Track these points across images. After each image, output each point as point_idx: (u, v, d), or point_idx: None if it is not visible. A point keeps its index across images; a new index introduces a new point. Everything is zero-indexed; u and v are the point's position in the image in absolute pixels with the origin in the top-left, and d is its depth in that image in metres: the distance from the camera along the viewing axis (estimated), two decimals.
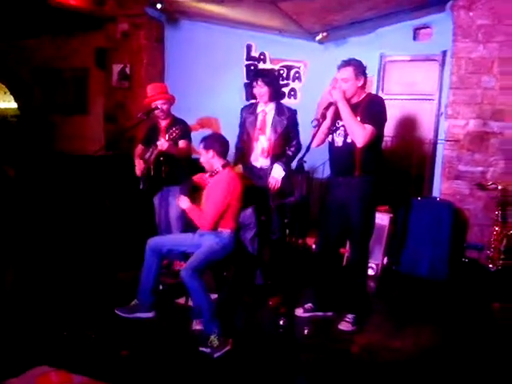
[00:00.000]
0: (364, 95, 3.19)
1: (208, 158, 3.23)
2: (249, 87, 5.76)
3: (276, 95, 3.83)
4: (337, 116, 3.17)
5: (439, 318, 3.58)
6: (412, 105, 5.21)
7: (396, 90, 5.25)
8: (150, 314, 3.34)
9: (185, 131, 3.81)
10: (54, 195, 5.30)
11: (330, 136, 3.26)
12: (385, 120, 3.16)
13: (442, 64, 4.98)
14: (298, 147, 3.75)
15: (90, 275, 3.96)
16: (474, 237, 4.67)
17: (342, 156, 3.20)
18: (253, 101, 3.93)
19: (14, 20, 6.07)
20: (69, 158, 5.77)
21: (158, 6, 5.38)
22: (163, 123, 3.95)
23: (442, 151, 4.90)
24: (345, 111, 3.02)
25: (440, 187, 4.86)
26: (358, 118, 3.05)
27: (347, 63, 3.14)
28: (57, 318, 3.15)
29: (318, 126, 2.97)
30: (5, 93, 8.08)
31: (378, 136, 3.11)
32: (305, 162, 2.77)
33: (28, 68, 7.05)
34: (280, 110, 3.76)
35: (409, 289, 4.17)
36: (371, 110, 3.08)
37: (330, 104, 3.06)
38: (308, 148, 2.85)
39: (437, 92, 5.05)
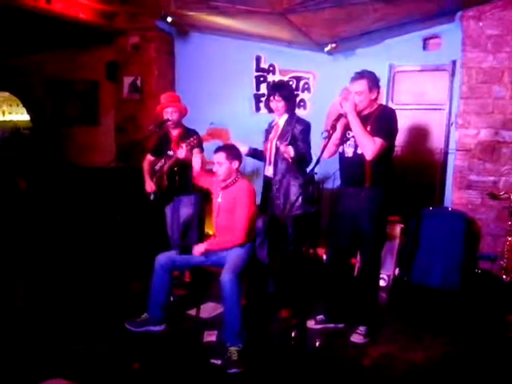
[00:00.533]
0: (376, 106, 3.19)
1: (231, 169, 3.28)
2: (257, 99, 5.83)
3: (292, 108, 3.86)
4: (347, 127, 3.17)
5: (452, 330, 3.54)
6: (422, 115, 5.20)
7: (406, 100, 5.24)
8: (160, 328, 3.33)
9: (199, 141, 3.82)
10: (66, 207, 5.34)
11: (341, 147, 3.26)
12: (396, 132, 3.16)
13: (452, 74, 4.97)
14: (308, 159, 3.67)
15: (102, 287, 3.97)
16: (487, 247, 4.63)
17: (352, 167, 3.20)
18: (271, 115, 3.97)
19: (26, 34, 6.17)
20: (80, 170, 5.83)
21: (169, 19, 5.43)
22: (174, 133, 3.96)
23: (453, 161, 4.88)
24: (355, 124, 3.03)
25: (451, 197, 4.83)
26: (369, 128, 3.05)
27: (361, 76, 3.14)
28: (70, 331, 3.16)
29: (328, 137, 2.98)
30: (17, 105, 8.19)
31: (388, 148, 3.11)
32: (316, 173, 2.78)
33: (40, 81, 7.14)
34: (290, 120, 3.77)
35: (421, 300, 4.13)
36: (382, 122, 3.08)
37: (340, 115, 3.07)
38: (318, 160, 2.85)
39: (447, 102, 5.04)
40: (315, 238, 5.05)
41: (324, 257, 4.97)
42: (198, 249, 3.20)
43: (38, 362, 2.72)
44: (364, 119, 3.09)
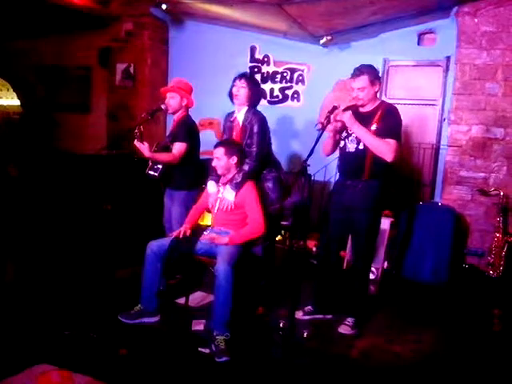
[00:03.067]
0: (378, 103, 3.20)
1: (230, 164, 3.31)
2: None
3: (252, 102, 3.62)
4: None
5: (439, 323, 3.58)
6: (415, 110, 5.21)
7: (399, 95, 5.25)
8: (155, 319, 3.29)
9: (180, 133, 3.73)
10: (56, 194, 5.29)
11: (342, 142, 3.27)
12: (401, 129, 3.18)
13: (446, 69, 4.98)
14: (256, 157, 3.48)
15: (91, 274, 3.95)
16: (475, 243, 4.68)
17: (353, 161, 3.22)
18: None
19: (18, 19, 6.08)
20: (71, 157, 5.78)
21: (164, 6, 5.38)
22: (175, 117, 3.90)
23: (444, 157, 4.91)
24: (363, 134, 3.05)
25: (441, 192, 4.87)
26: (375, 126, 3.06)
27: (361, 72, 3.12)
28: (58, 317, 3.15)
29: (322, 129, 2.97)
30: (8, 90, 8.08)
31: None
32: (308, 165, 2.77)
33: (32, 66, 7.05)
34: (247, 116, 3.60)
35: (409, 293, 4.17)
36: (389, 122, 3.10)
37: (335, 108, 3.06)
38: (312, 151, 2.83)
39: (440, 97, 5.05)
40: (305, 230, 5.06)
41: (314, 249, 5.01)
42: (218, 240, 3.15)
43: (24, 346, 2.71)
44: (368, 116, 3.10)
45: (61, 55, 6.82)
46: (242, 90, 3.56)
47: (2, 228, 4.76)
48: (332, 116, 3.06)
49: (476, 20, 4.59)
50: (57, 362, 2.11)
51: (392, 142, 3.05)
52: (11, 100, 8.15)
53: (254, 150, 3.49)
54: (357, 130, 3.05)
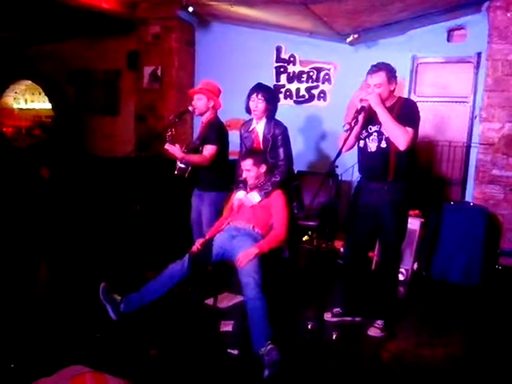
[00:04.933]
0: (395, 99, 3.14)
1: (260, 173, 3.36)
2: (277, 90, 5.77)
3: (271, 114, 3.60)
4: (368, 121, 3.14)
5: (471, 326, 3.49)
6: (445, 107, 5.12)
7: (429, 93, 5.17)
8: (114, 317, 3.10)
9: (211, 135, 3.73)
10: (88, 196, 5.41)
11: (362, 142, 3.22)
12: (419, 122, 3.12)
13: (477, 66, 4.87)
14: (285, 169, 3.50)
15: (121, 274, 4.01)
16: (508, 243, 4.56)
17: (375, 161, 3.16)
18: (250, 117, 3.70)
19: (49, 23, 6.23)
20: (102, 160, 5.89)
21: (190, 9, 5.44)
22: (203, 120, 3.91)
23: (475, 155, 4.81)
24: (384, 116, 2.98)
25: (473, 192, 4.77)
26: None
27: (379, 68, 3.09)
28: (89, 317, 3.21)
29: (350, 129, 2.94)
30: (39, 93, 8.29)
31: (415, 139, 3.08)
32: (337, 166, 2.75)
33: (62, 69, 7.22)
34: (268, 127, 3.56)
35: (440, 295, 4.08)
36: (408, 113, 3.04)
37: (363, 108, 3.02)
38: (339, 152, 2.81)
39: (471, 94, 4.95)
40: (332, 231, 5.03)
41: (341, 250, 4.96)
42: (249, 255, 3.01)
43: (57, 347, 2.77)
44: None
45: (90, 59, 6.98)
46: (260, 104, 3.54)
47: (36, 229, 4.88)
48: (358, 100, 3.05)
49: (509, 15, 4.48)
50: (89, 364, 2.15)
51: (410, 130, 3.00)
52: (43, 103, 8.35)
53: (283, 163, 3.52)
54: (380, 110, 3.00)
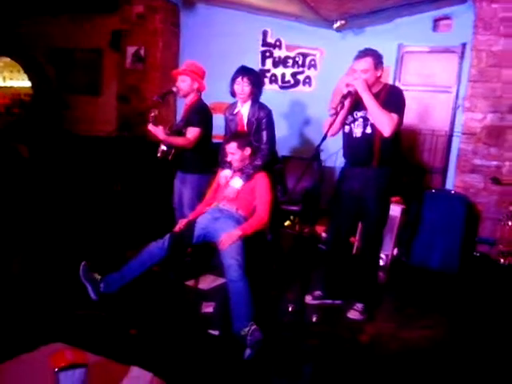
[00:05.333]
0: (382, 85, 3.15)
1: (245, 156, 3.33)
2: (262, 75, 5.73)
3: (256, 97, 3.59)
4: (354, 107, 3.14)
5: (449, 310, 3.56)
6: (429, 96, 5.15)
7: (413, 81, 5.19)
8: (94, 297, 3.06)
9: (195, 118, 3.69)
10: (67, 175, 5.32)
11: (348, 127, 3.22)
12: (404, 109, 3.13)
13: (462, 56, 4.91)
14: (268, 152, 3.50)
15: (100, 255, 3.96)
16: (486, 231, 4.65)
17: (359, 147, 3.17)
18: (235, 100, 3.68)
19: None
20: (81, 139, 5.79)
21: None
22: (186, 102, 3.85)
23: (457, 144, 4.87)
24: (370, 101, 2.98)
25: (454, 180, 4.84)
26: None
27: (365, 53, 3.09)
28: (69, 297, 3.17)
29: (335, 114, 2.94)
30: (18, 71, 8.08)
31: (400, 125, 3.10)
32: (321, 150, 2.75)
33: (43, 47, 7.04)
34: (253, 110, 3.56)
35: (418, 280, 4.15)
36: (393, 99, 3.05)
37: (349, 93, 3.02)
38: (324, 137, 2.81)
39: (455, 84, 4.99)
40: (314, 215, 5.06)
41: (323, 234, 5.00)
42: (231, 237, 2.99)
43: (37, 326, 2.73)
44: None
45: (72, 37, 6.81)
46: (246, 88, 3.51)
47: (14, 207, 4.79)
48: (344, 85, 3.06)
49: (494, 6, 4.50)
50: (69, 342, 2.13)
51: (395, 116, 3.01)
52: (22, 81, 8.15)
53: (265, 146, 3.51)
54: (366, 96, 3.00)
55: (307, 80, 5.72)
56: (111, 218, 4.70)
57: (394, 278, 4.18)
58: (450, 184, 4.95)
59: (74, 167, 5.28)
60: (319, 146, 2.74)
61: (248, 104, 3.59)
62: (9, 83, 8.43)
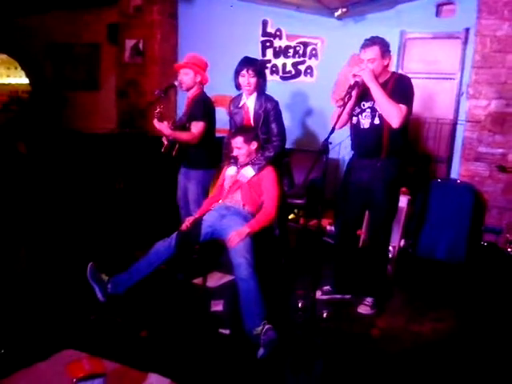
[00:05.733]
0: (389, 75, 3.10)
1: (251, 150, 3.29)
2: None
3: (261, 88, 3.52)
4: (362, 97, 3.08)
5: (458, 302, 3.54)
6: (432, 84, 5.08)
7: (416, 68, 5.11)
8: (101, 299, 3.03)
9: (198, 111, 3.62)
10: (68, 173, 5.27)
11: (355, 118, 3.17)
12: (413, 99, 3.09)
13: (465, 42, 4.83)
14: (280, 144, 3.48)
15: (106, 255, 3.93)
16: (493, 220, 4.61)
17: (368, 138, 3.12)
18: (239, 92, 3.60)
19: None
20: (82, 136, 5.72)
21: None
22: (189, 96, 3.78)
23: (461, 132, 4.81)
24: (377, 92, 2.93)
25: (459, 169, 4.78)
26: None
27: (372, 42, 3.03)
28: (77, 299, 3.14)
29: (343, 105, 2.88)
30: (15, 68, 8.00)
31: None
32: (330, 143, 2.69)
33: (40, 43, 6.96)
34: (259, 103, 3.49)
35: (427, 272, 4.12)
36: (402, 89, 3.00)
37: (356, 83, 2.96)
38: (333, 129, 2.76)
39: (458, 71, 4.92)
40: (319, 208, 5.01)
41: (328, 227, 4.96)
42: (240, 235, 2.95)
43: (47, 332, 2.70)
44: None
45: (69, 32, 6.73)
46: (251, 79, 3.43)
47: (13, 207, 4.75)
48: (351, 75, 3.01)
49: None
50: (81, 347, 2.11)
51: (403, 107, 2.96)
52: (19, 78, 8.07)
53: (277, 138, 3.48)
54: (373, 86, 2.96)
55: (309, 70, 5.65)
56: (115, 217, 4.65)
57: (401, 270, 4.15)
58: (454, 173, 4.90)
59: (74, 165, 5.22)
60: (328, 138, 2.69)
61: (254, 96, 3.52)
62: (6, 80, 8.36)
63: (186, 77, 3.65)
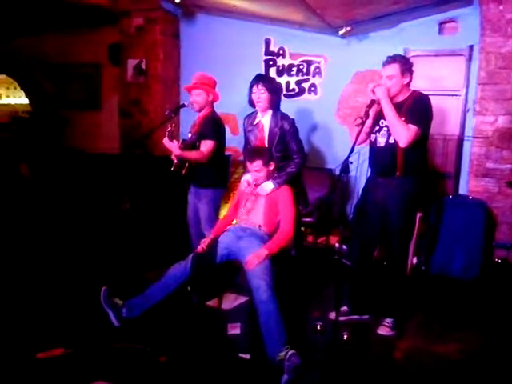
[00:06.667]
0: (409, 93, 3.09)
1: (269, 171, 3.26)
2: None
3: (276, 105, 3.52)
4: (380, 115, 3.07)
5: (480, 321, 3.47)
6: (437, 100, 5.02)
7: (420, 86, 5.06)
8: (116, 324, 2.97)
9: (208, 131, 3.61)
10: (71, 195, 5.19)
11: (373, 136, 3.16)
12: (431, 119, 3.08)
13: (469, 59, 4.86)
14: (301, 161, 3.48)
15: (118, 276, 3.84)
16: (503, 235, 4.59)
17: (383, 156, 3.11)
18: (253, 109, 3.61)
19: (25, 15, 5.95)
20: (86, 156, 5.67)
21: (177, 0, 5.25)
22: (199, 115, 3.76)
23: (469, 148, 4.81)
24: (388, 110, 2.93)
25: (467, 185, 4.77)
26: (403, 116, 2.95)
27: (393, 59, 3.04)
28: (89, 326, 3.05)
29: (362, 124, 2.87)
30: (15, 88, 7.95)
31: (422, 136, 3.03)
32: (351, 162, 2.67)
33: (40, 63, 6.93)
34: (275, 120, 3.48)
35: (442, 290, 4.06)
36: (416, 109, 2.99)
37: (373, 102, 2.96)
38: (352, 148, 2.74)
39: (463, 87, 4.94)
40: (328, 226, 4.98)
41: (336, 245, 4.92)
42: (259, 257, 2.89)
43: (72, 361, 2.61)
44: (397, 107, 2.99)
45: (69, 52, 6.72)
46: (262, 95, 3.43)
47: (17, 232, 4.66)
48: (369, 90, 3.01)
49: (501, 7, 4.46)
50: (104, 377, 2.03)
51: (413, 128, 2.95)
52: (19, 98, 8.02)
53: (298, 155, 3.48)
54: (384, 104, 2.96)
55: (312, 88, 5.65)
56: (120, 238, 4.57)
57: (416, 289, 4.09)
58: (463, 189, 4.89)
59: (79, 186, 5.14)
60: (348, 157, 2.66)
61: (269, 114, 3.51)
62: (5, 100, 8.30)
63: (198, 97, 3.64)
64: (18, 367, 2.56)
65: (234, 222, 3.33)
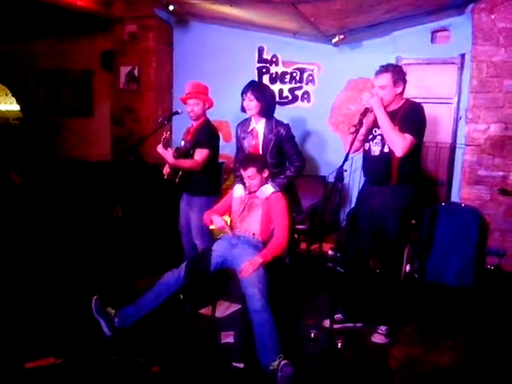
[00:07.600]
0: (402, 102, 3.10)
1: (263, 178, 3.25)
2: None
3: (266, 112, 3.49)
4: (374, 124, 3.07)
5: (474, 329, 3.46)
6: (430, 108, 5.04)
7: (413, 94, 5.11)
8: (108, 333, 2.93)
9: (204, 139, 3.62)
10: (63, 203, 5.14)
11: (367, 144, 3.16)
12: (424, 128, 3.08)
13: (461, 67, 4.90)
14: (300, 164, 3.48)
15: (109, 284, 3.79)
16: (495, 242, 4.60)
17: (378, 165, 3.10)
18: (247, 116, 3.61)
19: (17, 21, 5.92)
20: (77, 164, 5.62)
21: (171, 7, 5.25)
22: (194, 124, 3.77)
23: (461, 156, 4.84)
24: (383, 120, 2.93)
25: (460, 192, 4.78)
26: (397, 125, 2.96)
27: (385, 69, 3.04)
28: (81, 337, 3.01)
29: (355, 132, 2.86)
30: (6, 95, 7.89)
31: (417, 145, 3.03)
32: (345, 170, 2.66)
33: (32, 70, 6.89)
34: (269, 127, 3.48)
35: (436, 297, 4.05)
36: (411, 118, 2.99)
37: (367, 110, 2.96)
38: (346, 156, 2.74)
39: (455, 96, 4.97)
40: (320, 233, 4.96)
41: (329, 252, 4.91)
42: (253, 265, 2.88)
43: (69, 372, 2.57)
44: (391, 116, 2.99)
45: (61, 59, 6.69)
46: (251, 103, 3.43)
47: (8, 239, 4.60)
48: (363, 99, 3.01)
49: (493, 16, 4.51)
50: None
51: (408, 137, 2.95)
52: (10, 105, 7.96)
53: (297, 159, 3.48)
54: (379, 114, 2.96)
55: (305, 95, 5.67)
56: (112, 246, 4.53)
57: (409, 296, 4.08)
58: (455, 196, 4.90)
59: (70, 194, 5.10)
60: (342, 165, 2.66)
61: (263, 121, 3.50)
62: None
63: (196, 107, 3.65)
64: (6, 377, 2.51)
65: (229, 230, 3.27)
